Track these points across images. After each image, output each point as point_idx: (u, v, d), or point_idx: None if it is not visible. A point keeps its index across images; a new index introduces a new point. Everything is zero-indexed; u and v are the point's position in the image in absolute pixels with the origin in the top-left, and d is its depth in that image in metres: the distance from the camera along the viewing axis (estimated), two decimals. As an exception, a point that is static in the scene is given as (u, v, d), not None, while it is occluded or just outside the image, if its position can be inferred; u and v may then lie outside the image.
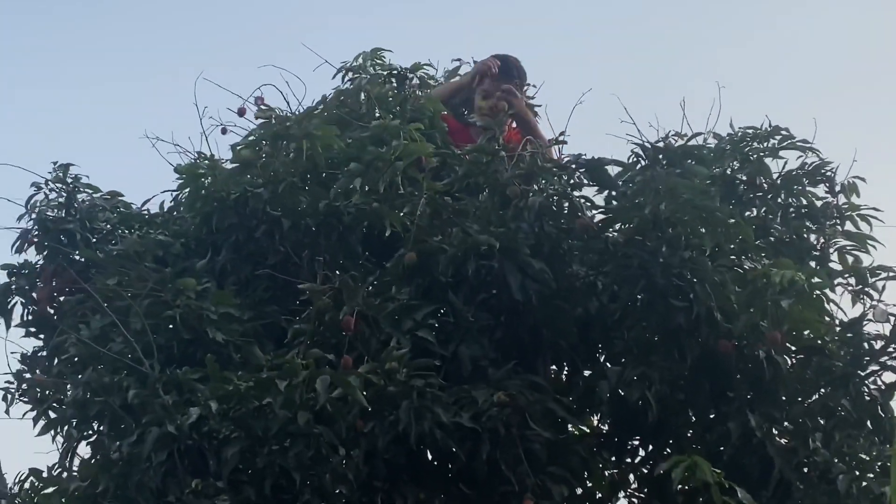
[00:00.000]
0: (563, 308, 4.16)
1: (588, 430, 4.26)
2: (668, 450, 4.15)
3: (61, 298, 4.73)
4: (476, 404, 3.76)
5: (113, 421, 3.82)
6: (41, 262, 4.89)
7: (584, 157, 4.50)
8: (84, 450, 4.17)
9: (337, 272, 4.35)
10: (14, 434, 4.92)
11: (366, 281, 4.14)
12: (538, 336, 4.19)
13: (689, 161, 4.45)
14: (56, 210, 4.77)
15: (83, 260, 4.77)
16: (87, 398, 3.97)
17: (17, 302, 4.96)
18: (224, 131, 5.20)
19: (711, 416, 4.16)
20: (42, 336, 4.92)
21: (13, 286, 4.93)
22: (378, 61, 5.76)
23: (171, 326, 4.16)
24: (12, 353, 4.87)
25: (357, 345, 3.94)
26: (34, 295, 4.93)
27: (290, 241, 4.46)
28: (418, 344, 3.94)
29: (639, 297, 4.07)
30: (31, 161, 4.99)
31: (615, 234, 4.26)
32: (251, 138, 5.06)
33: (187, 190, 4.71)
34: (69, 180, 4.81)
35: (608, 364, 4.20)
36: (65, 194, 4.80)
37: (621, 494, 4.24)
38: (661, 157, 4.46)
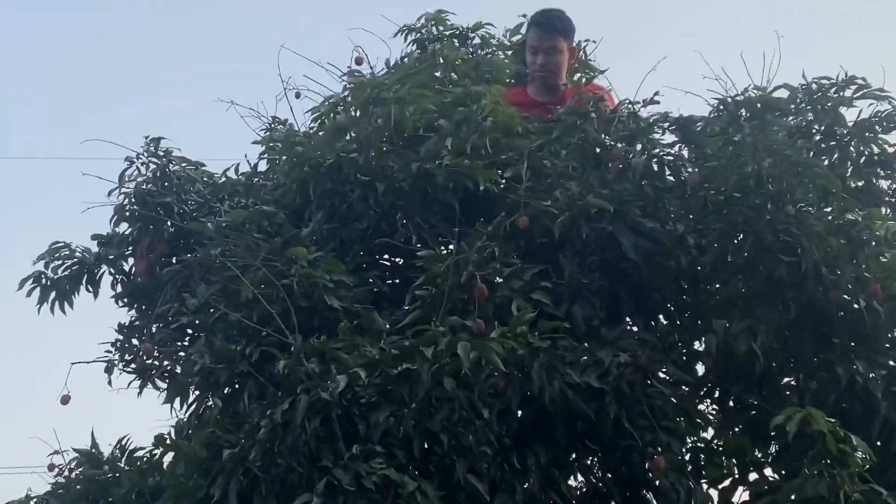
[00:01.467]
0: (667, 266, 4.27)
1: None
2: (775, 399, 4.26)
3: (159, 269, 4.78)
4: (602, 364, 3.86)
5: (250, 390, 3.90)
6: (132, 233, 4.95)
7: (671, 114, 4.60)
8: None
9: (436, 235, 4.44)
10: (112, 405, 4.99)
11: (473, 246, 4.22)
12: (644, 294, 4.30)
13: (769, 114, 4.54)
14: (150, 183, 4.81)
15: (175, 231, 4.85)
16: (214, 366, 4.05)
17: (105, 272, 5.03)
18: (298, 95, 5.26)
19: (815, 365, 4.28)
20: (136, 306, 5.00)
21: (104, 256, 4.98)
22: (440, 24, 5.80)
23: (282, 296, 4.21)
24: (102, 325, 4.98)
25: (472, 307, 4.03)
26: (124, 266, 5.00)
27: (385, 204, 4.53)
28: (533, 305, 4.03)
29: (745, 253, 4.17)
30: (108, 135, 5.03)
31: (713, 191, 4.36)
32: (331, 102, 5.12)
33: (282, 158, 4.75)
34: (161, 153, 4.85)
35: (712, 318, 4.29)
36: (158, 167, 4.83)
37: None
38: (742, 111, 4.55)
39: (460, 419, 3.63)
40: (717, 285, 4.27)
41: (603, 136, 4.50)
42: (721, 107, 4.56)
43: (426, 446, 3.63)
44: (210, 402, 4.24)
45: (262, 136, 5.38)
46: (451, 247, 4.19)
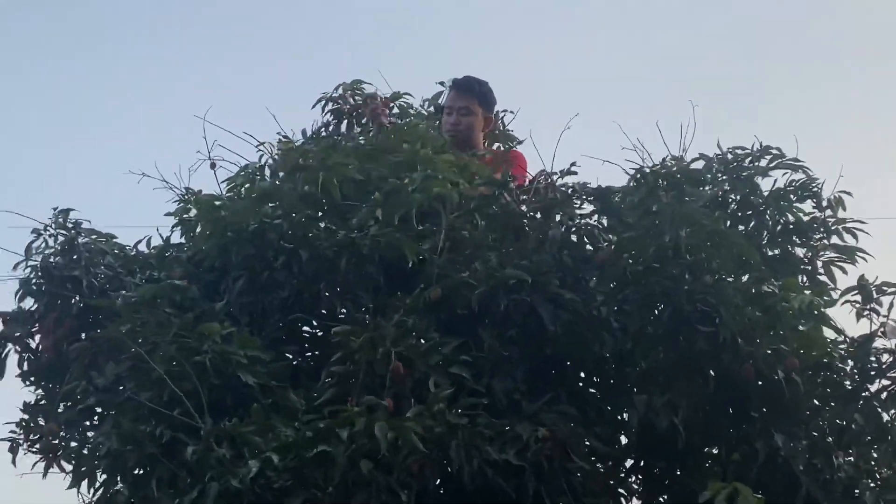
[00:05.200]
0: (585, 337, 4.23)
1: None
2: (697, 473, 4.23)
3: (65, 346, 4.63)
4: (520, 440, 3.80)
5: (159, 475, 3.76)
6: (38, 308, 4.80)
7: (589, 185, 4.59)
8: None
9: (359, 306, 4.36)
10: (18, 487, 4.82)
11: (391, 318, 4.14)
12: (565, 366, 4.25)
13: (687, 185, 4.56)
14: (58, 256, 4.67)
15: (84, 306, 4.71)
16: (122, 449, 3.91)
17: (10, 350, 4.86)
18: (213, 166, 5.17)
19: (735, 438, 4.25)
20: (42, 385, 4.83)
21: (9, 334, 4.82)
22: (358, 91, 5.78)
23: (194, 375, 4.09)
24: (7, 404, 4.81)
25: (390, 384, 3.95)
26: (30, 343, 4.84)
27: (308, 273, 4.44)
28: (452, 380, 3.96)
29: (664, 324, 4.14)
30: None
31: (631, 262, 4.34)
32: (249, 171, 5.06)
33: (201, 223, 4.65)
34: (69, 225, 4.72)
35: (633, 392, 4.25)
36: (66, 239, 4.69)
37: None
38: (660, 181, 4.56)
39: (378, 503, 3.52)
40: (637, 357, 4.22)
41: (522, 206, 4.47)
42: (639, 177, 4.56)
43: (344, 531, 3.52)
44: (118, 487, 4.09)
45: (176, 208, 5.28)
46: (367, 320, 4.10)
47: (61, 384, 4.56)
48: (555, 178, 4.48)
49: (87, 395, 4.35)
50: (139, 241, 5.09)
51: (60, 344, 4.62)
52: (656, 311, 4.21)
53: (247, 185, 5.00)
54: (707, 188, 4.90)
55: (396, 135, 4.86)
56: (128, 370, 4.26)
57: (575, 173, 4.55)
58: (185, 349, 4.10)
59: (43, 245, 4.72)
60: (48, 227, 4.73)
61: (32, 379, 4.82)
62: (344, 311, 4.47)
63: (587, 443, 4.03)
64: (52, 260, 4.68)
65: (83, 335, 4.69)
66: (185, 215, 5.21)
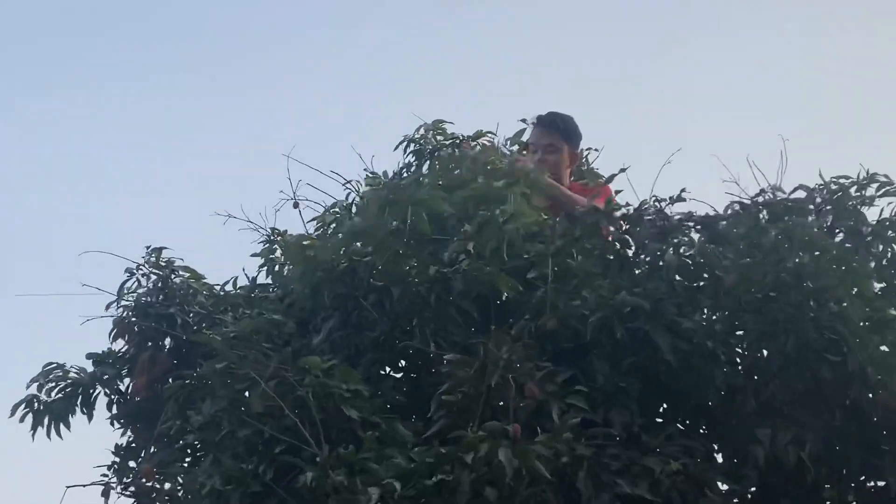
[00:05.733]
0: (702, 368, 4.04)
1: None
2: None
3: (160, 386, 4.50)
4: (650, 474, 3.60)
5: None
6: (129, 350, 4.68)
7: (695, 214, 4.44)
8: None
9: (451, 343, 4.21)
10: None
11: (500, 349, 3.98)
12: (681, 397, 4.06)
13: (790, 216, 4.41)
14: (151, 295, 4.55)
15: (175, 346, 4.59)
16: (223, 488, 3.75)
17: (100, 393, 4.74)
18: (296, 205, 5.09)
19: (863, 473, 4.04)
20: (132, 427, 4.70)
21: (99, 376, 4.70)
22: (440, 132, 5.70)
23: (296, 408, 3.94)
24: (98, 447, 4.68)
25: (502, 414, 3.78)
26: (120, 386, 4.72)
27: (399, 309, 4.30)
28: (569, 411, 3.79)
29: (787, 353, 3.95)
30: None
31: (746, 291, 4.16)
32: (334, 210, 4.96)
33: (291, 264, 4.53)
34: (163, 263, 4.61)
35: (754, 426, 4.04)
36: (160, 278, 4.57)
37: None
38: (763, 213, 4.42)
39: (503, 532, 3.34)
40: (759, 387, 4.02)
41: (626, 234, 4.32)
42: (739, 208, 4.42)
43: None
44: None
45: (262, 249, 5.19)
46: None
47: (152, 425, 4.43)
48: (664, 204, 4.32)
49: (183, 434, 4.20)
50: (226, 283, 5.00)
51: (155, 383, 4.49)
52: (777, 341, 4.01)
53: (334, 224, 4.91)
54: (811, 218, 4.75)
55: (480, 168, 4.73)
56: (225, 407, 4.12)
57: (684, 200, 4.40)
58: (285, 384, 3.95)
59: (136, 284, 4.61)
60: (141, 267, 4.61)
61: (122, 421, 4.69)
62: (434, 345, 4.32)
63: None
64: (146, 299, 4.55)
65: (175, 375, 4.55)
66: (271, 255, 5.13)
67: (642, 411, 3.98)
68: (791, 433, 3.90)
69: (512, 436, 3.47)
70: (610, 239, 4.42)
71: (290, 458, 3.79)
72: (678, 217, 4.41)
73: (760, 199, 4.49)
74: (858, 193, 4.78)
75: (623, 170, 5.05)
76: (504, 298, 4.27)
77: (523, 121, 5.64)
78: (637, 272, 4.20)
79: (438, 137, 5.70)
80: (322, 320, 4.42)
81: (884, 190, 4.81)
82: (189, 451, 4.33)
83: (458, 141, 5.66)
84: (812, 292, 4.00)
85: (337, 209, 5.15)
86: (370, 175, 4.92)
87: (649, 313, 3.91)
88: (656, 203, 4.32)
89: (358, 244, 4.42)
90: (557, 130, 5.28)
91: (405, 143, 5.67)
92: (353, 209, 4.91)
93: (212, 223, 5.11)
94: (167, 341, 4.65)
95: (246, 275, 5.07)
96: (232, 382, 4.09)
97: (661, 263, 4.21)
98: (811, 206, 4.73)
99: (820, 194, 4.82)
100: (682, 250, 4.25)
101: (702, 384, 4.06)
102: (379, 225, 4.41)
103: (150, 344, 4.64)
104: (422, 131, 5.70)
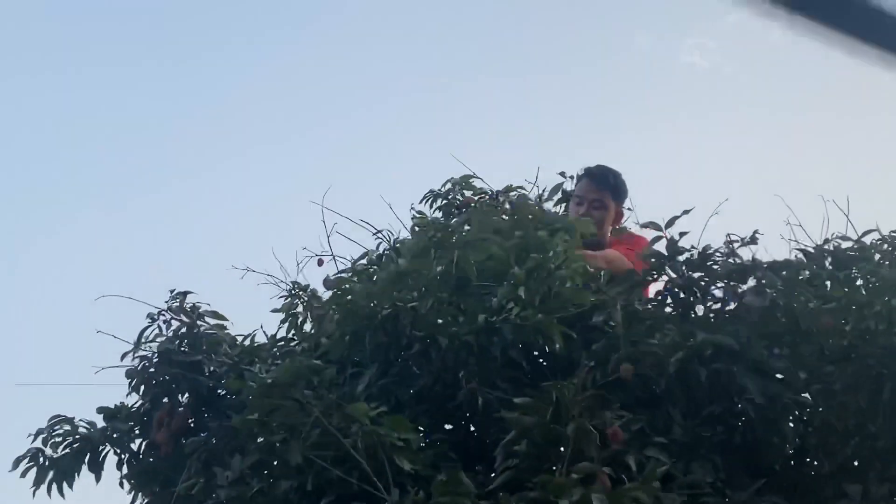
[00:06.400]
0: (785, 415, 3.70)
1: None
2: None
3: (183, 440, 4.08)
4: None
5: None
6: (144, 404, 4.27)
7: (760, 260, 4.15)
8: None
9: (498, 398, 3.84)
10: None
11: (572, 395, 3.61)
12: (760, 448, 3.70)
13: (855, 263, 4.15)
14: (176, 342, 4.15)
15: (196, 398, 4.19)
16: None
17: (109, 451, 4.31)
18: (320, 263, 4.74)
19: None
20: (145, 489, 4.26)
21: (109, 434, 4.28)
22: (467, 188, 5.40)
23: (341, 456, 3.56)
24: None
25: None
26: (132, 445, 4.30)
27: (447, 361, 3.93)
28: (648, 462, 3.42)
29: (885, 400, 3.62)
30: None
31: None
32: (364, 262, 4.63)
33: (332, 308, 4.17)
34: (188, 308, 4.21)
35: (842, 481, 3.69)
36: (186, 324, 4.18)
37: None
38: (828, 259, 4.16)
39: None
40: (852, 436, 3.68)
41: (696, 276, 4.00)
42: (801, 254, 4.16)
43: None
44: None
45: (283, 304, 4.82)
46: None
47: (170, 484, 4.01)
48: (735, 246, 4.01)
49: (209, 492, 3.79)
50: (246, 337, 4.61)
51: (176, 438, 4.06)
52: (868, 388, 3.67)
53: (368, 270, 4.56)
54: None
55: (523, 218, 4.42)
56: (255, 463, 3.73)
57: (756, 242, 4.09)
58: (328, 433, 3.56)
59: (156, 331, 4.21)
60: (163, 313, 4.22)
61: (133, 482, 4.26)
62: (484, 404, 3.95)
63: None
64: (170, 346, 4.15)
65: (194, 428, 4.16)
66: (292, 311, 4.77)
67: (726, 465, 3.62)
68: (885, 489, 3.55)
69: (601, 482, 3.08)
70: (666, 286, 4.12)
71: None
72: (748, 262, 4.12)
73: (828, 246, 4.23)
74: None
75: (686, 211, 4.76)
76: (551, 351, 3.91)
77: (561, 173, 5.38)
78: (711, 317, 3.86)
79: (466, 192, 5.40)
80: (359, 369, 4.05)
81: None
82: (215, 510, 3.89)
83: (490, 196, 5.37)
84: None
85: (364, 261, 4.81)
86: (416, 215, 4.58)
87: (736, 353, 3.56)
88: (729, 245, 4.01)
89: (399, 291, 4.07)
90: (608, 188, 5.00)
91: (430, 199, 5.36)
92: (390, 254, 4.57)
93: (228, 276, 4.75)
94: (184, 396, 4.23)
95: (264, 332, 4.70)
96: (266, 434, 3.71)
97: (729, 307, 3.89)
98: (877, 254, 4.49)
99: (888, 241, 4.59)
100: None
101: (782, 435, 3.72)
102: (425, 266, 4.07)
103: (165, 399, 4.22)
104: (449, 185, 5.39)
